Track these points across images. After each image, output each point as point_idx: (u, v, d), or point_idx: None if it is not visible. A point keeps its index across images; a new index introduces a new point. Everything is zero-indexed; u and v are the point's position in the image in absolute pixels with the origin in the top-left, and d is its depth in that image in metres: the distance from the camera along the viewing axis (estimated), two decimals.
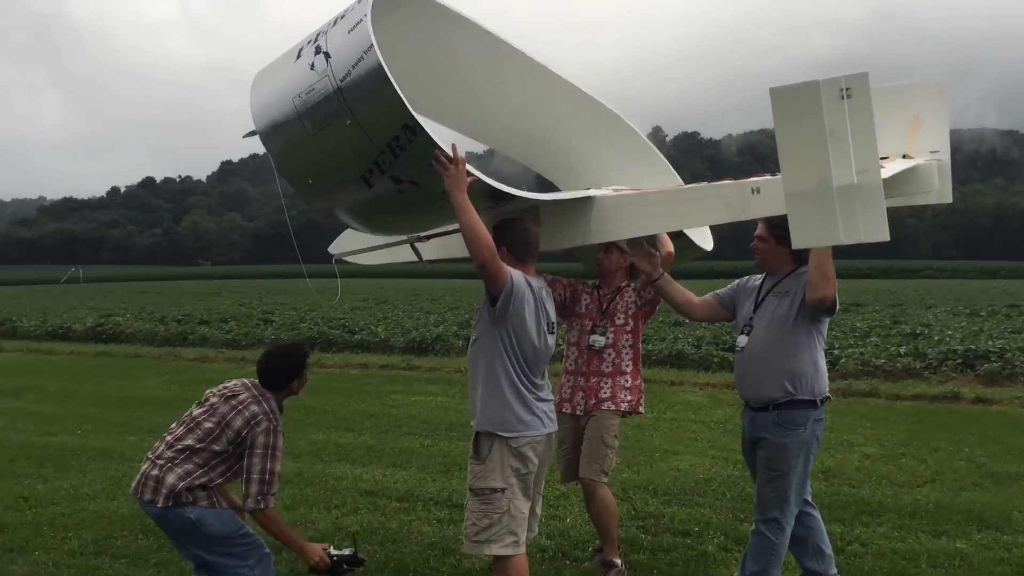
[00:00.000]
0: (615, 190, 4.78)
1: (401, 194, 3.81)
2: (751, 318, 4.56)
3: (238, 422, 4.13)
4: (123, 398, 12.32)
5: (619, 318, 5.20)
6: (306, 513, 6.47)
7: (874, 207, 3.35)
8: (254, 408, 4.17)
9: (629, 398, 5.19)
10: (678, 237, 5.08)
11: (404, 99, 3.42)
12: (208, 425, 4.17)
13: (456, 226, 4.45)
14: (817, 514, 4.70)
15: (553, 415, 4.30)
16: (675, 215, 4.25)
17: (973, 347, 14.54)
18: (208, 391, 4.41)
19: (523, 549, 4.13)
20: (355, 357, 16.75)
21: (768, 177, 3.92)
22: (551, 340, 4.27)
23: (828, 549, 4.66)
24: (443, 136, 3.70)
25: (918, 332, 17.96)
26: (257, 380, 4.36)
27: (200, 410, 4.27)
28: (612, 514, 5.18)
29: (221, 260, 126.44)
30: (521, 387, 4.11)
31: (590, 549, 5.54)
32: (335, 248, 5.66)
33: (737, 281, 4.86)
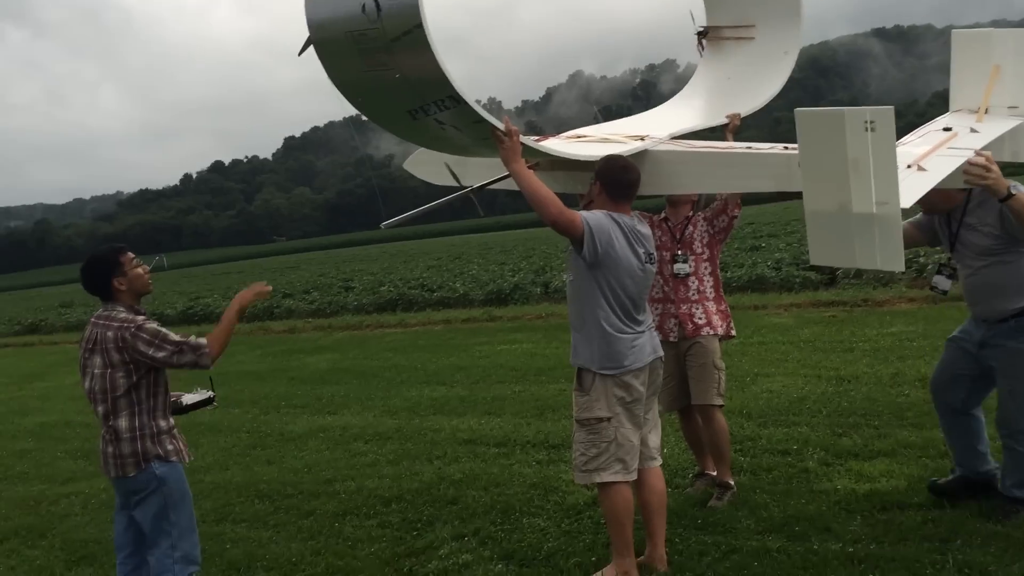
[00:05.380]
0: (672, 138, 4.80)
1: (444, 131, 3.92)
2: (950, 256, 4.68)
3: (113, 356, 3.88)
4: (222, 374, 12.68)
5: (696, 246, 5.23)
6: (410, 466, 6.67)
7: (892, 238, 3.39)
8: (109, 334, 3.90)
9: (722, 322, 5.24)
10: None
11: (451, 77, 3.48)
12: (99, 384, 3.93)
13: (504, 176, 4.55)
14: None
15: (657, 341, 4.35)
16: (723, 177, 4.34)
17: None
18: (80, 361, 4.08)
19: (633, 477, 4.21)
20: (437, 314, 17.00)
21: None
22: (651, 270, 4.29)
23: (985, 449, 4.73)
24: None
25: None
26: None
27: (86, 380, 4.00)
28: (727, 437, 5.25)
29: (295, 234, 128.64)
30: (619, 323, 4.14)
31: (691, 476, 5.60)
32: (407, 166, 5.82)
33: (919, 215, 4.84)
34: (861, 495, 4.92)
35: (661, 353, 4.37)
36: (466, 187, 4.79)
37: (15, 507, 6.83)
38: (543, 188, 3.98)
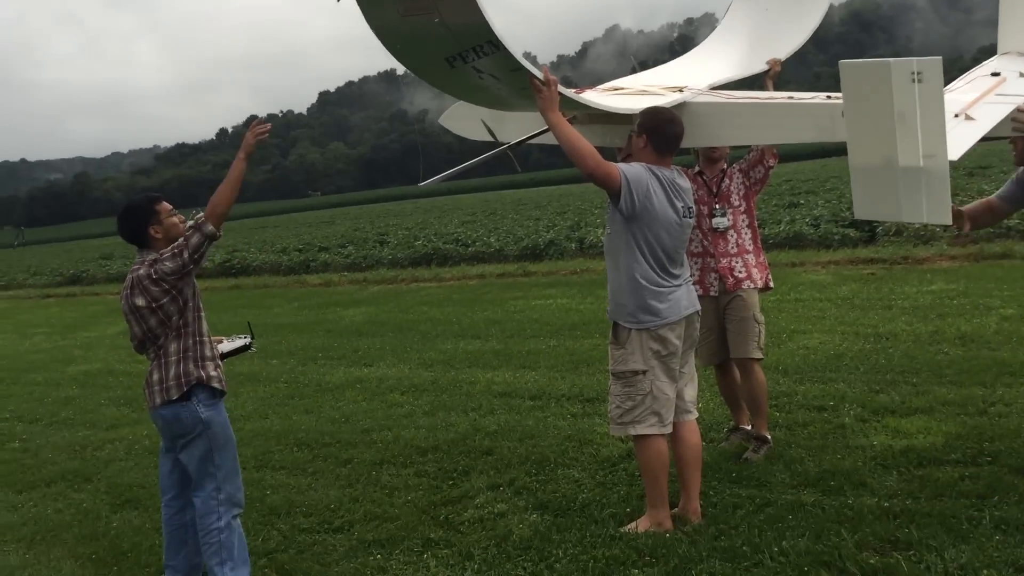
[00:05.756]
0: (711, 88, 4.73)
1: (482, 80, 3.87)
2: None
3: (152, 290, 3.93)
4: (259, 325, 12.85)
5: (734, 199, 5.19)
6: (445, 417, 6.74)
7: (938, 191, 3.34)
8: (141, 271, 3.97)
9: (760, 275, 5.22)
10: None
11: (491, 21, 3.43)
12: (145, 323, 3.99)
13: (540, 131, 4.52)
14: None
15: (694, 295, 4.34)
16: (764, 128, 4.29)
17: None
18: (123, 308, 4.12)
19: (669, 430, 4.23)
20: (471, 268, 17.06)
21: None
22: (688, 224, 4.26)
23: None
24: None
25: None
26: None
27: (133, 323, 4.04)
28: (765, 390, 5.25)
29: (329, 189, 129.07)
30: (655, 276, 4.14)
31: (725, 430, 5.61)
32: (443, 120, 5.75)
33: (1011, 179, 4.72)
34: (897, 451, 4.91)
35: (698, 307, 4.36)
36: (502, 143, 4.76)
37: (61, 452, 7.01)
38: (581, 140, 3.96)
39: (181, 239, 3.97)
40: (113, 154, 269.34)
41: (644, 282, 4.13)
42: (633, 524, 4.29)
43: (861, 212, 3.64)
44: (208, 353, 4.10)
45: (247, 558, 4.14)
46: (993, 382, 6.00)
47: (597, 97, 4.53)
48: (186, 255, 3.92)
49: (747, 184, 5.22)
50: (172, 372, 3.99)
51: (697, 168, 5.27)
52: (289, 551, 4.59)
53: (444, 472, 5.51)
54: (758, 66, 5.20)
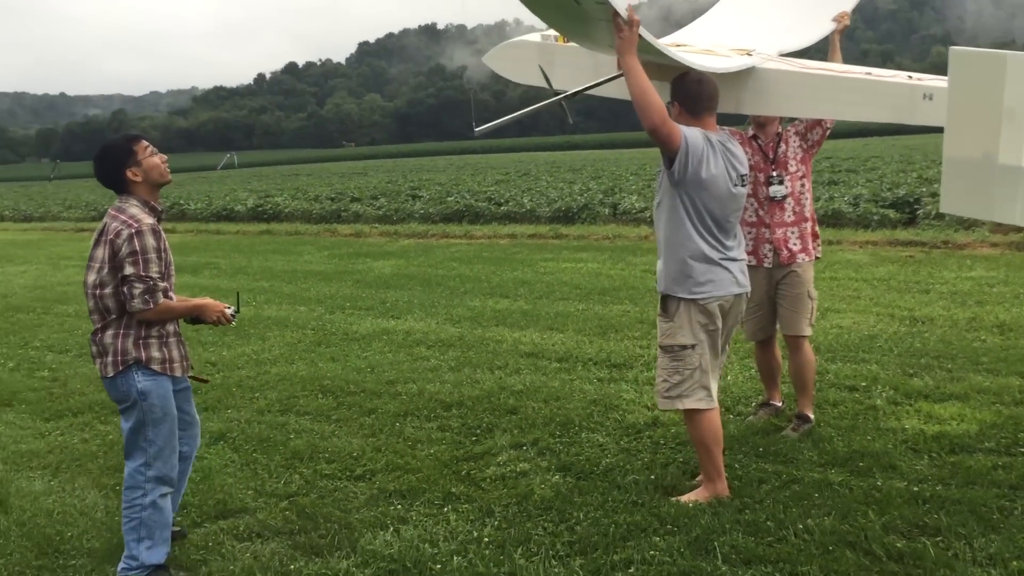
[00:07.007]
0: (780, 55, 4.56)
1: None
2: None
3: (110, 249, 3.67)
4: (289, 272, 12.98)
5: (791, 165, 4.99)
6: (471, 373, 6.72)
7: None
8: (114, 225, 3.69)
9: (815, 245, 5.09)
10: None
11: None
12: (95, 277, 3.72)
13: (607, 80, 4.37)
14: None
15: (745, 273, 4.21)
16: (836, 103, 4.10)
17: None
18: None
19: (715, 403, 4.17)
20: (503, 228, 16.98)
21: (943, 83, 3.64)
22: (742, 193, 4.14)
23: None
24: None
25: None
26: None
27: (88, 272, 3.78)
28: (813, 368, 5.16)
29: (363, 141, 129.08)
30: (707, 248, 4.03)
31: (754, 404, 5.55)
32: (487, 59, 5.55)
33: None
34: (930, 436, 4.82)
35: (748, 289, 4.23)
36: (558, 92, 4.59)
37: (89, 383, 7.06)
38: (652, 91, 3.78)
39: (145, 274, 3.63)
40: (151, 93, 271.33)
41: (695, 253, 4.02)
42: (689, 495, 4.23)
43: (948, 206, 3.54)
44: (155, 331, 3.76)
45: (168, 538, 3.85)
46: None
47: (674, 49, 4.33)
48: (129, 280, 3.63)
49: (804, 147, 5.03)
50: (109, 348, 3.73)
51: (751, 132, 5.06)
52: (311, 495, 4.60)
53: (467, 428, 5.49)
54: (825, 26, 4.96)
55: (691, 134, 3.93)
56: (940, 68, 4.07)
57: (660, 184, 4.13)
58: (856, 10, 5.15)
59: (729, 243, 4.11)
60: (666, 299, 4.13)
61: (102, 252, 3.70)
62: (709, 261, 4.04)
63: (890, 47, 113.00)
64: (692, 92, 4.03)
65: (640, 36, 3.73)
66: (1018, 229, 12.09)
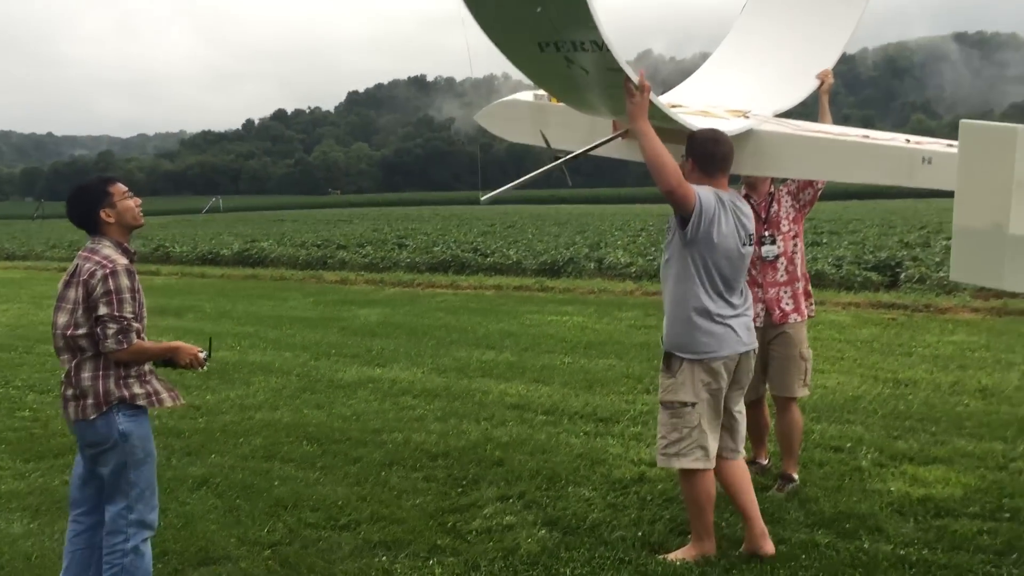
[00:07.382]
0: (776, 116, 4.64)
1: (569, 70, 3.69)
2: None
3: (84, 290, 3.63)
4: (274, 317, 12.93)
5: (784, 225, 5.07)
6: (457, 424, 6.70)
7: None
8: (87, 266, 3.65)
9: (808, 304, 5.14)
10: None
11: (600, 25, 3.26)
12: (67, 319, 3.66)
13: (607, 140, 4.43)
14: None
15: (751, 330, 4.22)
16: (835, 166, 4.13)
17: None
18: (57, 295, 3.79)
19: (712, 464, 4.13)
20: (488, 279, 17.03)
21: (942, 147, 3.74)
22: (749, 252, 4.19)
23: None
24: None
25: None
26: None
27: (57, 314, 3.73)
28: (800, 430, 5.18)
29: (350, 189, 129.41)
30: (712, 306, 4.04)
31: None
32: (479, 117, 5.56)
33: None
34: (915, 499, 4.84)
35: (755, 346, 4.25)
36: (558, 153, 4.59)
37: None
38: (667, 154, 3.83)
39: (119, 315, 3.58)
40: (139, 135, 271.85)
41: (701, 312, 4.04)
42: (676, 553, 4.20)
43: (959, 275, 3.58)
44: (133, 370, 3.71)
45: None
46: (1014, 438, 5.93)
47: (683, 113, 4.38)
48: (104, 320, 3.58)
49: (797, 207, 5.10)
50: (89, 391, 3.65)
51: (744, 191, 5.13)
52: (294, 544, 4.56)
53: (453, 479, 5.47)
54: (810, 84, 5.03)
55: (704, 195, 3.97)
56: (919, 135, 4.15)
57: (670, 242, 4.15)
58: (836, 74, 5.22)
59: (735, 301, 4.14)
60: (669, 356, 4.14)
61: (75, 293, 3.66)
62: (715, 320, 4.06)
63: (871, 112, 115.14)
64: (708, 152, 4.07)
65: (650, 101, 3.79)
66: (1000, 295, 12.26)
